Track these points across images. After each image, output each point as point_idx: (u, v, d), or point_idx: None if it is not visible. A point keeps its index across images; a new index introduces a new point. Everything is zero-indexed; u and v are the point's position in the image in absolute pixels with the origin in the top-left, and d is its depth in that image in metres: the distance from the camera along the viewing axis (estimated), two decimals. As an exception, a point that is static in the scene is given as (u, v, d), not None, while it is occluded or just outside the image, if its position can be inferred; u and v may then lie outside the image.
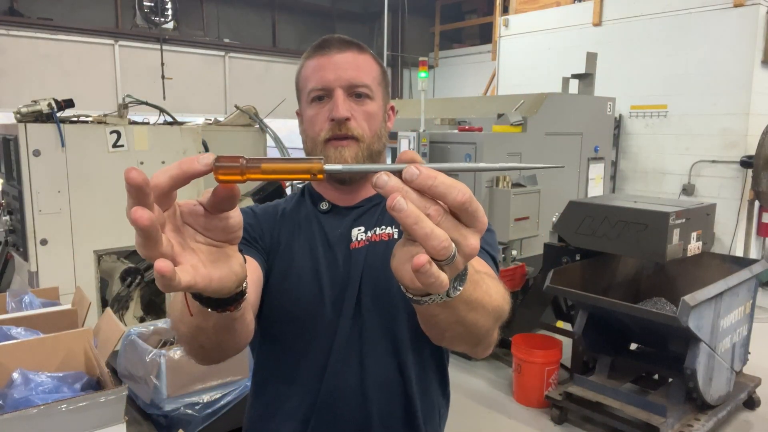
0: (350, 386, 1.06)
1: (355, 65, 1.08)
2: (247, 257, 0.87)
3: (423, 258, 0.51)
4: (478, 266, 0.74)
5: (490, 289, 0.73)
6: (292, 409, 1.09)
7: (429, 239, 0.50)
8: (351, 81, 1.06)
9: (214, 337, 0.75)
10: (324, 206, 1.15)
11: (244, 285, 0.66)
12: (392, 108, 1.19)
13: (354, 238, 1.10)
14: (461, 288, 0.61)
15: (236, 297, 0.66)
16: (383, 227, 1.11)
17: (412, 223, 0.50)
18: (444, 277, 0.52)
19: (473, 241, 0.54)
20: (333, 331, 1.06)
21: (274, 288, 1.08)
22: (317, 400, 1.06)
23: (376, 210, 1.14)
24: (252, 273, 0.98)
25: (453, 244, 0.52)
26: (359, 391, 1.06)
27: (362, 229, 1.12)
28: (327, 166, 0.52)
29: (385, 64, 9.82)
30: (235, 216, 0.57)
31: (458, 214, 0.52)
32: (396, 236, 1.09)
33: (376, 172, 0.52)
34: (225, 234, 0.58)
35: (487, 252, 1.05)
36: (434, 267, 0.51)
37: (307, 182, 1.20)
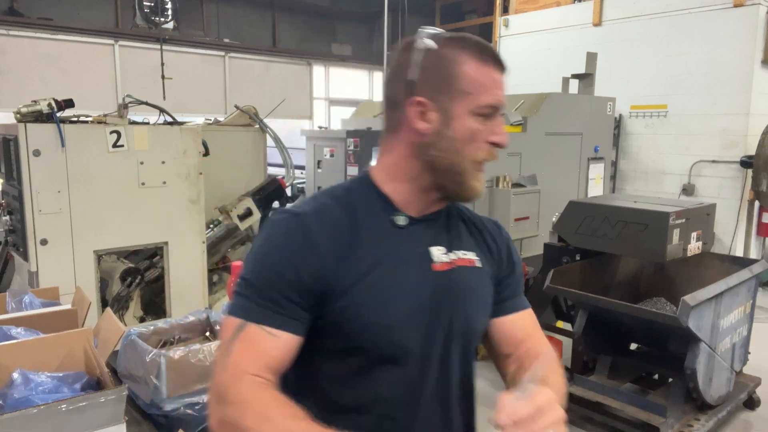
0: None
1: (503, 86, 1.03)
2: (280, 332, 0.95)
3: None
4: (548, 372, 1.02)
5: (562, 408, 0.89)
6: None
7: None
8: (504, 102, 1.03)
9: None
10: (401, 221, 1.03)
11: None
12: None
13: (435, 259, 1.04)
14: None
15: None
16: (464, 252, 1.08)
17: None
18: None
19: None
20: (425, 362, 1.02)
21: (351, 310, 0.96)
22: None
23: (449, 226, 1.09)
24: (286, 352, 0.94)
25: None
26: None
27: (442, 249, 1.05)
28: None
29: (385, 64, 9.68)
30: None
31: None
32: (477, 264, 1.08)
33: None
34: None
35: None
36: None
37: (352, 190, 1.07)
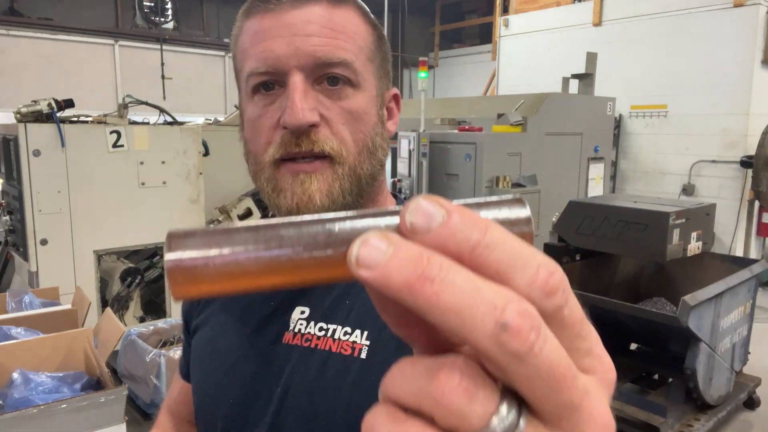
0: None
1: (324, 27, 0.63)
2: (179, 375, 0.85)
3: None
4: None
5: None
6: None
7: (473, 311, 0.20)
8: (317, 56, 0.62)
9: None
10: None
11: None
12: (395, 97, 0.75)
13: (292, 325, 0.68)
14: None
15: None
16: (347, 329, 0.65)
17: (416, 282, 0.20)
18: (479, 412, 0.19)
19: (593, 402, 0.21)
20: None
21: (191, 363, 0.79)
22: None
23: (343, 288, 0.68)
24: (185, 396, 0.82)
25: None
26: None
27: (306, 312, 0.68)
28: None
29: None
30: None
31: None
32: (362, 353, 0.63)
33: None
34: None
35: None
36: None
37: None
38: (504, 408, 0.21)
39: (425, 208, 0.22)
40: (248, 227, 0.23)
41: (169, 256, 0.23)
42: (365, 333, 0.64)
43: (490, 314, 0.20)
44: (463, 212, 0.22)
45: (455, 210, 0.22)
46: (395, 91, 0.75)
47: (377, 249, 0.21)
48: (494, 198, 0.24)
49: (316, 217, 0.24)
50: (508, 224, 0.23)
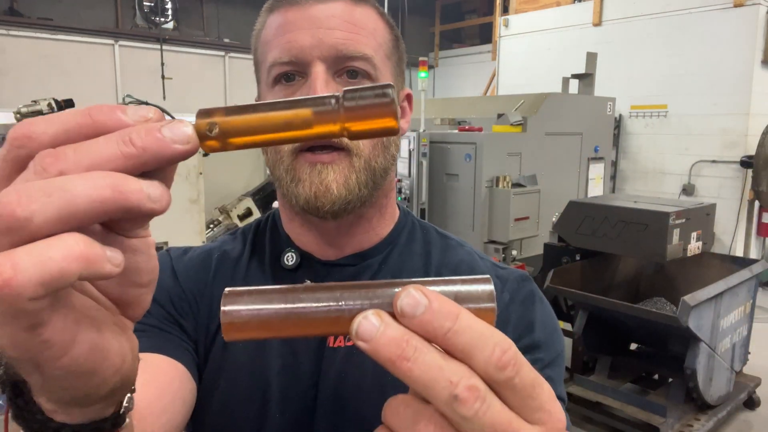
0: None
1: (347, 22, 0.66)
2: (165, 358, 0.63)
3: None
4: None
5: None
6: None
7: (435, 384, 0.27)
8: (339, 49, 0.65)
9: None
10: (290, 260, 0.73)
11: (126, 402, 0.34)
12: (408, 97, 0.76)
13: None
14: None
15: (106, 422, 0.33)
16: None
17: (396, 359, 0.28)
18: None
19: None
20: None
21: (201, 394, 0.69)
22: None
23: (382, 278, 0.71)
24: (174, 379, 0.63)
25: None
26: None
27: None
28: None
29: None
30: (149, 256, 0.30)
31: (498, 389, 0.28)
32: None
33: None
34: (124, 286, 0.30)
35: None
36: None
37: (267, 217, 0.81)
38: None
39: (413, 297, 0.28)
40: (282, 289, 0.31)
41: (223, 308, 0.30)
42: None
43: (446, 388, 0.27)
44: (441, 302, 0.28)
45: (435, 300, 0.28)
46: (409, 91, 0.77)
47: (372, 325, 0.28)
48: (468, 277, 0.31)
49: (332, 284, 0.31)
50: (475, 298, 0.30)
